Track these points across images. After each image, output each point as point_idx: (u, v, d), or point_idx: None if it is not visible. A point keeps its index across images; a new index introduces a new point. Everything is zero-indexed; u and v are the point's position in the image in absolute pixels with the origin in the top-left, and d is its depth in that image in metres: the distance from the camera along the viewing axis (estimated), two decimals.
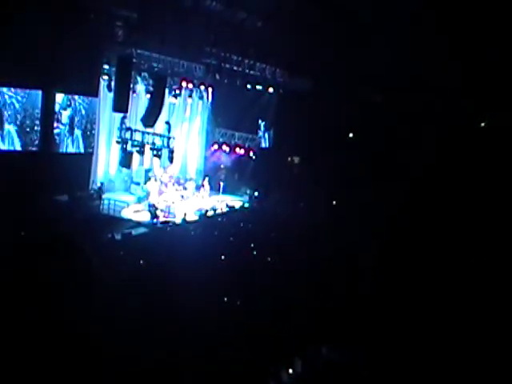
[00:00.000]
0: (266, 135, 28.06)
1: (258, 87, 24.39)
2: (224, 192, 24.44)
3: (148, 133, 20.28)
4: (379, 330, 8.14)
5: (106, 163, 21.82)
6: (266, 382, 6.91)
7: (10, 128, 17.65)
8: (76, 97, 19.66)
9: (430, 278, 10.80)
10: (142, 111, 21.27)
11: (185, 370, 6.61)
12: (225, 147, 25.84)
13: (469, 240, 13.53)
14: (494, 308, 8.80)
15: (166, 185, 21.87)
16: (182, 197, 21.80)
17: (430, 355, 7.31)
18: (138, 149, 19.70)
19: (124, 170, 21.46)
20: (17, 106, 17.72)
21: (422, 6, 19.42)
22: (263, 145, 27.71)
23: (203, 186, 23.51)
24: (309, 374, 7.26)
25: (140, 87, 21.44)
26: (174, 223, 18.34)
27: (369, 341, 7.74)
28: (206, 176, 24.53)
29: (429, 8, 19.36)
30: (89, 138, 20.49)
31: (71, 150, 19.87)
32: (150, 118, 20.37)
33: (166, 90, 21.59)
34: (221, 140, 26.18)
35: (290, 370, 7.24)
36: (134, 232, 16.69)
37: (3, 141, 17.55)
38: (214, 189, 24.37)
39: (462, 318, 8.55)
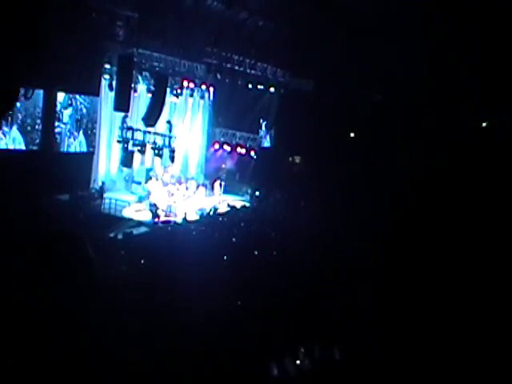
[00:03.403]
0: (268, 135, 28.08)
1: (260, 87, 24.40)
2: (225, 192, 24.43)
3: (149, 132, 20.29)
4: (378, 329, 8.14)
5: (107, 162, 21.82)
6: (269, 370, 6.93)
7: (13, 129, 17.70)
8: (77, 96, 19.68)
9: (430, 279, 10.79)
10: (143, 110, 21.27)
11: (185, 366, 6.62)
12: (226, 147, 25.83)
13: (471, 244, 13.47)
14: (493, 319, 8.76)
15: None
16: (183, 196, 21.82)
17: (428, 357, 7.31)
18: (139, 148, 19.72)
19: (125, 169, 21.47)
20: (18, 104, 17.72)
21: (424, 6, 19.41)
22: (264, 144, 27.71)
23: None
24: (311, 367, 7.29)
25: (141, 87, 21.45)
26: (175, 223, 18.33)
27: (367, 340, 7.75)
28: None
29: (431, 7, 19.35)
30: (90, 137, 20.50)
31: (72, 149, 19.88)
32: (151, 117, 20.38)
33: (168, 90, 21.60)
34: (222, 139, 26.17)
35: (297, 361, 7.28)
36: (135, 231, 16.69)
37: (8, 140, 17.60)
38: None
39: (459, 322, 8.55)
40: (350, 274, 11.39)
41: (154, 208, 19.18)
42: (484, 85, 21.49)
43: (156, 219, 18.73)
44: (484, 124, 24.67)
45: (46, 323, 2.11)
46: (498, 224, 15.61)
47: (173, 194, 21.08)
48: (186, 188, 22.63)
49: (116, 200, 19.80)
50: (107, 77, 19.69)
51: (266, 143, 28.07)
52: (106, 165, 21.81)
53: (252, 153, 25.71)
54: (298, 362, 7.32)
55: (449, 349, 7.58)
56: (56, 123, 19.08)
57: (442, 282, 10.63)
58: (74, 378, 2.09)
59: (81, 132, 20.12)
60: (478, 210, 17.44)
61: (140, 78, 21.07)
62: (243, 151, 25.68)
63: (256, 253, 13.96)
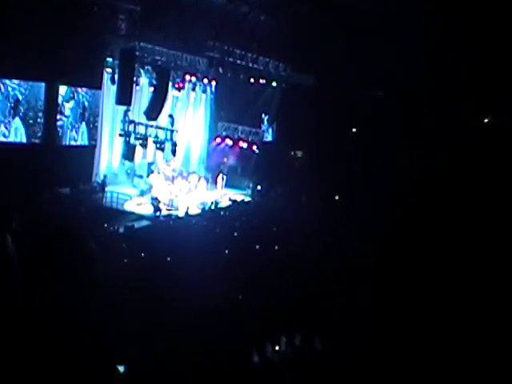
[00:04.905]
0: (269, 129, 28.05)
1: (262, 81, 24.36)
2: (227, 186, 24.43)
3: (151, 126, 20.28)
4: (378, 328, 8.16)
5: (108, 156, 21.82)
6: (251, 356, 7.01)
7: (16, 120, 17.72)
8: (79, 89, 19.67)
9: (430, 277, 10.79)
10: (145, 104, 21.24)
11: (184, 358, 6.67)
12: (228, 141, 25.83)
13: (471, 244, 13.45)
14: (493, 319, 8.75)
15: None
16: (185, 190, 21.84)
17: (428, 355, 7.33)
18: (141, 142, 19.73)
19: (127, 162, 21.47)
20: (20, 97, 17.73)
21: (424, 6, 19.38)
22: (266, 139, 27.68)
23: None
24: (292, 354, 7.38)
25: (143, 80, 21.43)
26: (176, 216, 18.36)
27: (367, 339, 7.77)
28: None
29: (431, 7, 19.31)
30: (92, 130, 20.50)
31: (74, 142, 19.89)
32: (153, 111, 20.36)
33: (170, 83, 21.57)
34: (224, 134, 26.16)
35: (276, 347, 7.40)
36: (136, 225, 16.72)
37: (10, 132, 17.63)
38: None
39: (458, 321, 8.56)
40: (350, 273, 11.40)
41: (155, 202, 19.19)
42: (484, 85, 21.43)
43: (158, 213, 18.74)
44: (486, 120, 24.61)
45: (46, 322, 2.13)
46: (498, 223, 15.58)
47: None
48: (188, 182, 22.64)
49: (118, 194, 19.81)
50: (109, 70, 19.67)
51: (268, 137, 28.04)
52: (108, 158, 21.80)
53: (254, 147, 25.69)
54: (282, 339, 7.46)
55: (448, 348, 7.60)
56: (58, 116, 19.08)
57: (441, 280, 10.63)
58: (74, 377, 2.11)
59: (83, 125, 20.12)
60: (477, 209, 17.41)
61: (142, 71, 21.06)
62: (245, 145, 25.66)
63: (257, 247, 13.99)
